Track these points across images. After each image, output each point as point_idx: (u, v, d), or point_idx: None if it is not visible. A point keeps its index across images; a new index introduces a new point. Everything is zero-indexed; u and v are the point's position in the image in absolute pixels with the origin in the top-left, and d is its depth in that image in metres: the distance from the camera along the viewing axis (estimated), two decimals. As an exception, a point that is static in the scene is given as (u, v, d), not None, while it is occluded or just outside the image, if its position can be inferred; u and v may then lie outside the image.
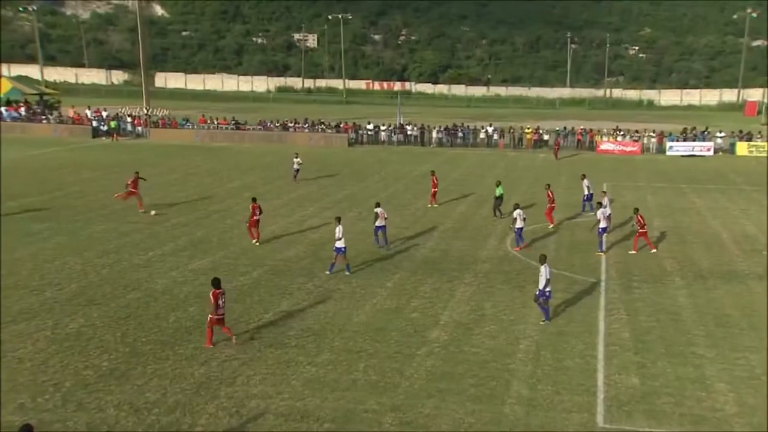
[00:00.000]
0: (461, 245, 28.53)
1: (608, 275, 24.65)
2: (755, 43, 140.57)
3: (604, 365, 17.15)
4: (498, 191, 33.47)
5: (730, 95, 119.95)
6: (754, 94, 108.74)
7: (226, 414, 14.60)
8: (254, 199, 28.41)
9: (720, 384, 16.19)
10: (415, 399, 15.37)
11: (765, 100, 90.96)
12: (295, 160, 42.25)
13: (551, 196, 31.40)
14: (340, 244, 23.90)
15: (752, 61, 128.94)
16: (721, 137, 60.73)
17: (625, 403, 15.24)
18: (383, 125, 65.31)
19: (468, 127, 65.64)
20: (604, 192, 32.71)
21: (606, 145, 60.32)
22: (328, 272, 24.06)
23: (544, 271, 19.50)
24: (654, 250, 27.53)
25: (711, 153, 58.15)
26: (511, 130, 63.95)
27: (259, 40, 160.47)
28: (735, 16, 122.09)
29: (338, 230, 23.90)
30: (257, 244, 27.72)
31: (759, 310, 21.14)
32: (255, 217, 27.83)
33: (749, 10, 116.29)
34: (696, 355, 17.81)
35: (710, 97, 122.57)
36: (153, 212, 32.60)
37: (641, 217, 27.47)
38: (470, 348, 18.17)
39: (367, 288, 22.83)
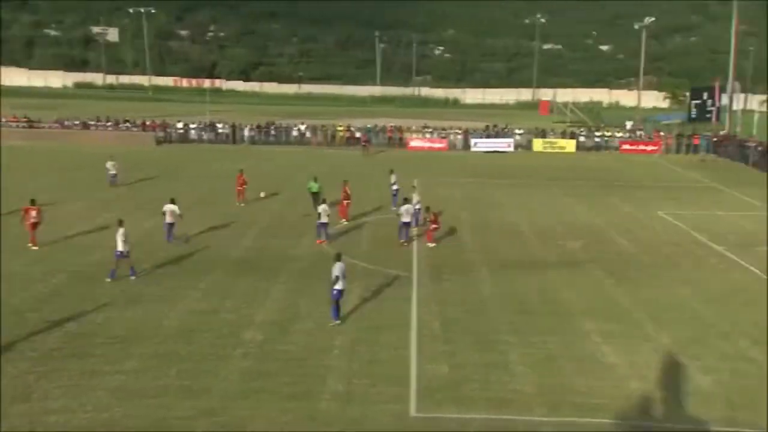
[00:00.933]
0: (276, 243, 28.32)
1: (419, 268, 25.36)
2: (546, 47, 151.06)
3: (417, 356, 17.63)
4: (314, 187, 33.70)
5: (526, 95, 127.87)
6: (547, 94, 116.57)
7: (23, 433, 13.52)
8: (32, 201, 26.60)
9: (521, 367, 17.12)
10: (230, 401, 15.03)
11: (557, 100, 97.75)
12: (109, 164, 40.13)
13: (347, 192, 32.02)
14: (120, 248, 22.69)
15: (544, 63, 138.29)
16: (519, 134, 64.60)
17: (436, 392, 15.74)
18: (193, 123, 63.59)
19: (281, 124, 65.41)
20: (414, 187, 33.67)
21: (415, 142, 62.35)
22: (108, 279, 22.68)
23: (336, 269, 19.50)
24: (432, 245, 28.16)
25: (511, 149, 61.62)
26: (324, 128, 64.50)
27: (53, 33, 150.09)
28: (527, 21, 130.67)
29: (120, 233, 22.78)
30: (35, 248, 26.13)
31: (555, 296, 22.59)
32: (29, 221, 26.13)
33: (538, 16, 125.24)
34: (500, 341, 18.71)
35: (509, 96, 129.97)
36: (262, 194, 33.79)
37: (433, 214, 28.41)
38: (286, 346, 18.05)
39: (179, 290, 22.08)
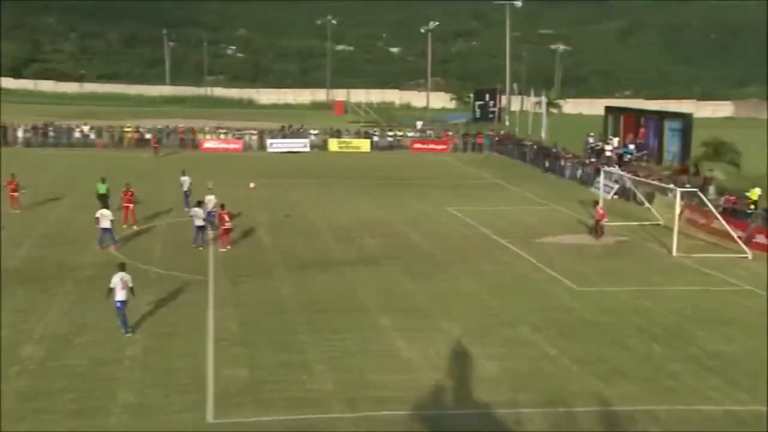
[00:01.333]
0: (59, 252, 26.59)
1: (215, 272, 24.83)
2: (339, 47, 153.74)
3: (213, 361, 17.20)
4: (102, 188, 32.41)
5: (320, 95, 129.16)
6: (340, 94, 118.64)
7: None
8: None
9: (320, 366, 17.17)
10: (5, 424, 13.80)
11: (350, 100, 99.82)
12: None
13: (129, 195, 30.87)
14: None
15: (337, 64, 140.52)
16: (315, 134, 65.13)
17: (235, 396, 15.42)
18: (-43, 123, 58.20)
19: (60, 125, 61.46)
20: (210, 189, 32.84)
21: (209, 143, 61.04)
22: None
23: (118, 280, 18.53)
24: (228, 248, 27.64)
25: (307, 149, 61.89)
26: (110, 129, 61.47)
27: None
28: (319, 22, 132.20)
29: None
30: None
31: (353, 294, 22.95)
32: None
33: (330, 17, 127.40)
34: (299, 341, 18.69)
35: (304, 96, 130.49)
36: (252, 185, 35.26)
37: (226, 214, 27.84)
38: (71, 361, 16.94)
39: (-56, 307, 20.04)
